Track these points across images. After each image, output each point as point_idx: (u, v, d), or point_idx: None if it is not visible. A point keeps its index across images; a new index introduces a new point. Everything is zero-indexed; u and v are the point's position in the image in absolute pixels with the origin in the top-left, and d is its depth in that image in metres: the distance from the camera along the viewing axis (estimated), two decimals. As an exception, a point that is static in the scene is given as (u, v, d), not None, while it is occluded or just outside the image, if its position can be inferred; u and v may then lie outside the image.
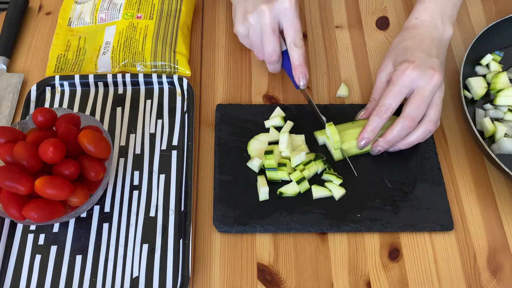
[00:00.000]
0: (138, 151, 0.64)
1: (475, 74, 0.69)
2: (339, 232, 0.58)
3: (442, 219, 0.58)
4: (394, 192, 0.60)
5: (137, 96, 0.68)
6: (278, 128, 0.65)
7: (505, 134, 0.63)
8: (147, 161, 0.63)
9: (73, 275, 0.56)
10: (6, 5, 0.77)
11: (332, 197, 0.59)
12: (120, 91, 0.69)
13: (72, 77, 0.68)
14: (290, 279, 0.56)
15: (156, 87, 0.69)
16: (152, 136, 0.65)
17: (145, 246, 0.57)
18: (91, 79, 0.68)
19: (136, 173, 0.62)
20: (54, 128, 0.58)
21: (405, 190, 0.60)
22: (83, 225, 0.59)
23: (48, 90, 0.69)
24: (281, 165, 0.60)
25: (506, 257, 0.58)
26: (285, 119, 0.65)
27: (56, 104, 0.68)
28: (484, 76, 0.69)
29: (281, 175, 0.60)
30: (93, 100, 0.68)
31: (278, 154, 0.61)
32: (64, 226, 0.59)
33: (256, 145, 0.63)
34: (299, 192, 0.59)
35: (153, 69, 0.70)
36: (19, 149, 0.52)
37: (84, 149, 0.55)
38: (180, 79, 0.68)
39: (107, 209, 0.60)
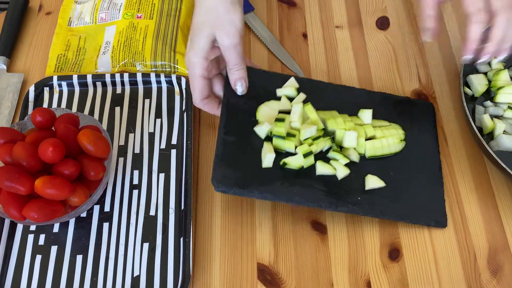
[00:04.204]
0: (137, 151, 0.64)
1: (476, 72, 0.69)
2: (337, 211, 0.57)
3: (437, 215, 0.59)
4: (396, 183, 0.59)
5: (136, 95, 0.68)
6: (290, 99, 0.62)
7: (504, 131, 0.63)
8: (146, 160, 0.63)
9: (74, 275, 0.56)
10: (6, 5, 0.77)
11: (335, 176, 0.58)
12: (119, 90, 0.69)
13: (70, 77, 0.68)
14: (290, 279, 0.56)
15: (154, 86, 0.69)
16: (151, 135, 0.65)
17: (146, 245, 0.57)
18: (89, 79, 0.68)
19: (136, 172, 0.62)
20: (53, 128, 0.59)
21: (407, 183, 0.60)
22: (83, 224, 0.59)
23: (46, 90, 0.69)
24: (290, 135, 0.58)
25: (506, 257, 0.58)
26: (298, 91, 0.63)
27: (54, 104, 0.68)
28: (485, 73, 0.69)
29: (288, 145, 0.57)
30: (92, 100, 0.68)
31: (289, 124, 0.59)
32: (64, 226, 0.59)
33: (266, 111, 0.60)
34: (303, 166, 0.57)
35: (153, 69, 0.70)
36: (18, 150, 0.52)
37: (84, 149, 0.55)
38: (179, 78, 0.68)
39: (107, 208, 0.60)
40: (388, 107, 0.65)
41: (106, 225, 0.59)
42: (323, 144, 0.59)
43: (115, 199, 0.60)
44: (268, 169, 0.57)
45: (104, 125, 0.66)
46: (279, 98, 0.62)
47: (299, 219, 0.60)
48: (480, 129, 0.64)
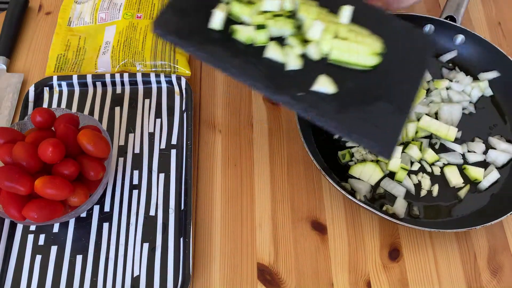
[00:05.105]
0: (137, 151, 0.64)
1: None
2: (273, 99, 0.52)
3: (385, 145, 0.50)
4: (351, 96, 0.52)
5: (136, 95, 0.68)
6: None
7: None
8: (146, 160, 0.63)
9: (74, 275, 0.56)
10: (6, 5, 0.77)
11: (284, 66, 0.52)
12: (119, 90, 0.69)
13: (70, 77, 0.68)
14: (290, 279, 0.56)
15: (154, 86, 0.69)
16: (151, 135, 0.65)
17: (146, 245, 0.57)
18: (89, 79, 0.68)
19: (136, 172, 0.62)
20: (53, 128, 0.59)
21: (366, 100, 0.52)
22: (83, 225, 0.59)
23: (46, 90, 0.69)
24: (249, 2, 0.52)
25: (506, 257, 0.58)
26: None
27: (54, 105, 0.68)
28: None
29: (242, 11, 0.52)
30: (92, 100, 0.68)
31: None
32: (64, 226, 0.59)
33: None
34: (253, 42, 0.52)
35: (153, 69, 0.70)
36: (18, 150, 0.52)
37: (84, 149, 0.55)
38: (178, 78, 0.68)
39: (107, 208, 0.60)
40: (387, 24, 0.57)
41: (106, 225, 0.59)
42: (283, 24, 0.52)
43: (115, 199, 0.60)
44: (217, 32, 0.52)
45: (104, 125, 0.66)
46: None
47: (299, 219, 0.60)
48: None
